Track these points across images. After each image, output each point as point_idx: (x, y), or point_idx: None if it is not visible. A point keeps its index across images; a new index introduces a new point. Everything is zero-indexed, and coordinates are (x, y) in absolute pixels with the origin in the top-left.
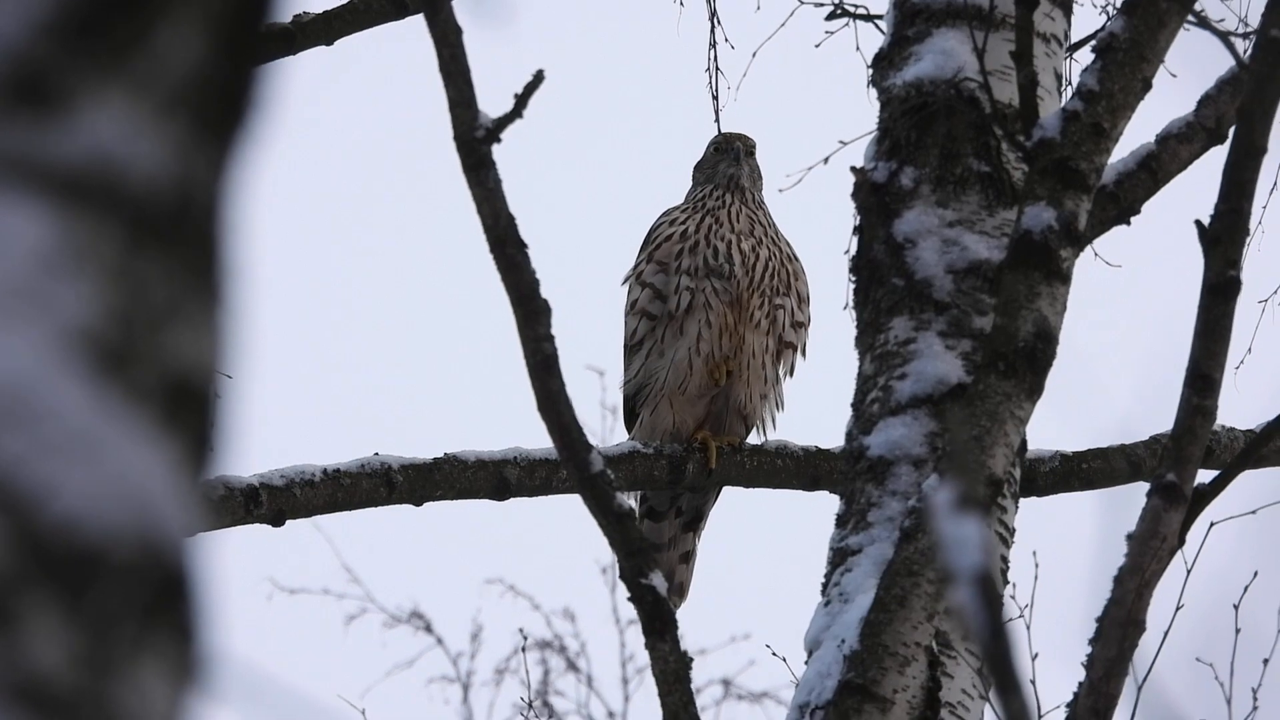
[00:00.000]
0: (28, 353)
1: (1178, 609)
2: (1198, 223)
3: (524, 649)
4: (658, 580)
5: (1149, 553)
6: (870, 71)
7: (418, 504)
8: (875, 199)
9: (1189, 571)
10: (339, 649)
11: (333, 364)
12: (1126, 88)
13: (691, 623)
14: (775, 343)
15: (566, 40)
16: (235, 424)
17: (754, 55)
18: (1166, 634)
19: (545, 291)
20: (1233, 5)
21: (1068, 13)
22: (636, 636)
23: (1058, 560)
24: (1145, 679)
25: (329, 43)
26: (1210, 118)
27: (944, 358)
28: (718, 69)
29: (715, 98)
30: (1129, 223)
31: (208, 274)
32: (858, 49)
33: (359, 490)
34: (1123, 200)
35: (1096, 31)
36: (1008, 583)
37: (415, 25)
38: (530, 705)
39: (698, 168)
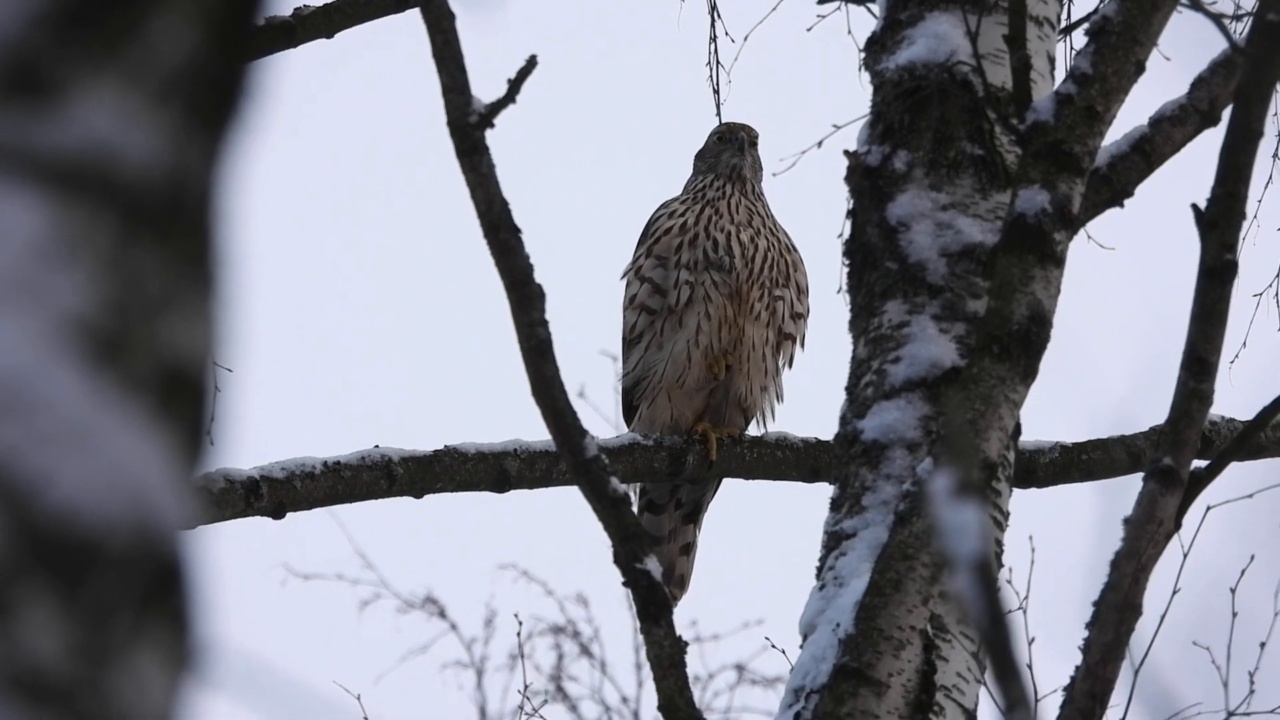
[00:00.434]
0: (23, 343)
1: (1174, 593)
2: (1194, 206)
3: (519, 634)
4: (652, 565)
5: (1145, 537)
6: (863, 55)
7: (418, 496)
8: (869, 183)
9: (1185, 556)
10: (353, 635)
11: (333, 356)
12: (1120, 71)
13: (705, 608)
14: (775, 334)
15: (564, 33)
16: (232, 415)
17: (745, 39)
18: (1163, 618)
19: (542, 278)
20: None
21: None
22: None
23: (1058, 551)
24: (1142, 663)
25: (329, 35)
26: (1203, 100)
27: (938, 341)
28: (718, 63)
29: (716, 91)
30: (1122, 205)
31: (202, 263)
32: (849, 32)
33: (359, 482)
34: (1116, 183)
35: (1090, 14)
36: (1002, 566)
37: (416, 18)
38: (526, 690)
39: (699, 156)
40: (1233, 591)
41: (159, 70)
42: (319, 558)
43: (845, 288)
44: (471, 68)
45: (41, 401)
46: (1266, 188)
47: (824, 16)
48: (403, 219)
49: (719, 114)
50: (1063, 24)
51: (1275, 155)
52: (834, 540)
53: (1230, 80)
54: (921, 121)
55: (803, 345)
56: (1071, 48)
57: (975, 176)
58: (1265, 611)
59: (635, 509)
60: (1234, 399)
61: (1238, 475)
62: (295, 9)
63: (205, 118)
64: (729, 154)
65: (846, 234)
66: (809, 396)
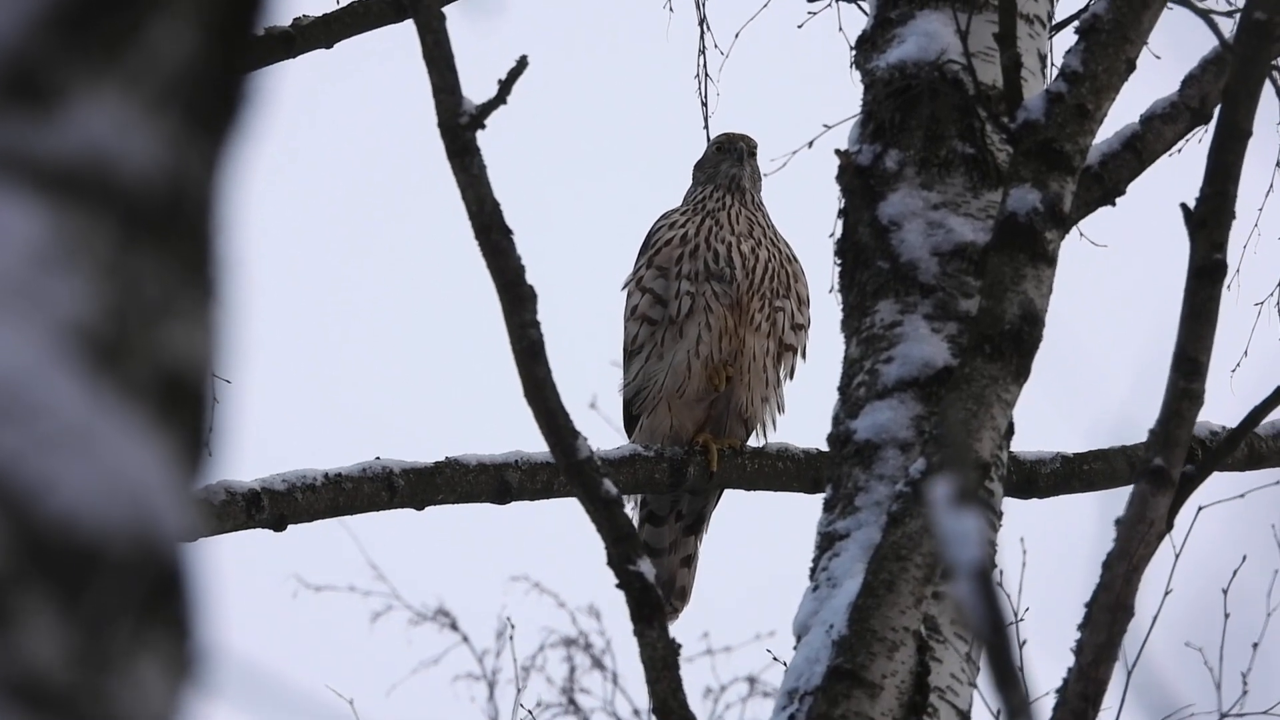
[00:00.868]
0: (22, 348)
1: (1166, 594)
2: (1183, 206)
3: (512, 636)
4: (645, 567)
5: (1137, 537)
6: (854, 54)
7: (419, 508)
8: (860, 182)
9: (1177, 556)
10: (365, 646)
11: (334, 367)
12: (1110, 69)
13: (717, 620)
14: (775, 345)
15: (556, 45)
16: (232, 426)
17: (736, 36)
18: (1155, 619)
19: (548, 287)
20: None
21: None
22: None
23: (1061, 561)
24: (1135, 664)
25: (329, 45)
26: (1194, 97)
27: (930, 341)
28: (707, 75)
29: (704, 104)
30: (1114, 203)
31: (201, 269)
32: (840, 30)
33: (360, 494)
34: (1107, 181)
35: (1080, 11)
36: (996, 567)
37: (414, 28)
38: (519, 694)
39: (698, 167)
40: (1225, 592)
41: (158, 76)
42: (331, 569)
43: (837, 287)
44: (464, 72)
45: (41, 407)
46: (1268, 196)
47: (815, 14)
48: (403, 229)
49: (706, 127)
50: (1053, 21)
51: (1278, 163)
52: (827, 541)
53: (1221, 77)
54: (912, 120)
55: (804, 356)
56: (1053, 46)
57: (966, 175)
58: (1258, 612)
59: (635, 521)
60: (1235, 409)
61: (1230, 476)
62: (295, 19)
63: (205, 124)
64: (728, 164)
65: (838, 233)
66: (810, 407)
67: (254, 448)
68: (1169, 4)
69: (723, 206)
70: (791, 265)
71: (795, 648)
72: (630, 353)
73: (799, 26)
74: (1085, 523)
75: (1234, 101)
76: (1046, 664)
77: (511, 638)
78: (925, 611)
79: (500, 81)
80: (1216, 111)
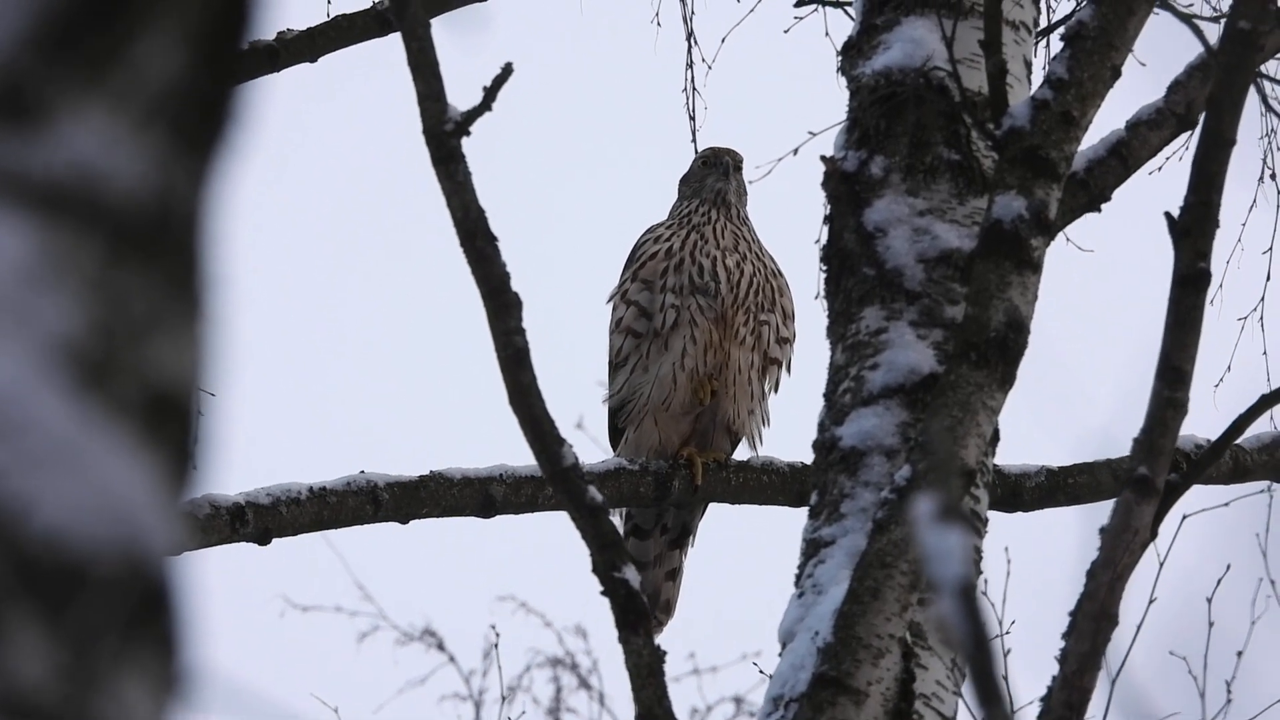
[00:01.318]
0: (8, 365)
1: (1150, 602)
2: (1167, 215)
3: (497, 647)
4: (630, 574)
5: (1121, 546)
6: (839, 60)
7: (404, 521)
8: (845, 188)
9: (1162, 565)
10: (352, 667)
11: (319, 381)
12: (1096, 76)
13: (703, 640)
14: (760, 358)
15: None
16: (218, 440)
17: (723, 41)
18: (1140, 627)
19: (524, 291)
20: None
21: (1036, 0)
22: None
23: (1044, 575)
24: (1119, 673)
25: (313, 59)
26: (1180, 103)
27: (915, 347)
28: (694, 89)
29: (692, 118)
30: (1100, 210)
31: (188, 286)
32: (827, 34)
33: (345, 508)
34: (1093, 187)
35: (1066, 16)
36: (981, 574)
37: (399, 42)
38: (504, 712)
39: (684, 181)
40: (1209, 601)
41: (145, 93)
42: (317, 590)
43: (823, 294)
44: (449, 83)
45: (27, 424)
46: (1251, 210)
47: (801, 18)
48: (387, 243)
49: (694, 140)
50: (1039, 28)
51: (1260, 179)
52: (812, 548)
53: (1207, 84)
54: (898, 127)
55: (789, 369)
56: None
57: (952, 182)
58: (1242, 621)
59: (620, 534)
60: (1220, 423)
61: (1227, 486)
62: (279, 33)
63: (192, 140)
64: (714, 178)
65: (823, 240)
66: (796, 421)
67: (239, 461)
68: (1154, 10)
69: (708, 221)
70: (776, 280)
71: (780, 654)
72: (615, 365)
73: (785, 31)
74: (1068, 535)
75: (1218, 110)
76: (1030, 675)
77: (497, 649)
78: (910, 619)
79: (485, 89)
80: (1201, 119)
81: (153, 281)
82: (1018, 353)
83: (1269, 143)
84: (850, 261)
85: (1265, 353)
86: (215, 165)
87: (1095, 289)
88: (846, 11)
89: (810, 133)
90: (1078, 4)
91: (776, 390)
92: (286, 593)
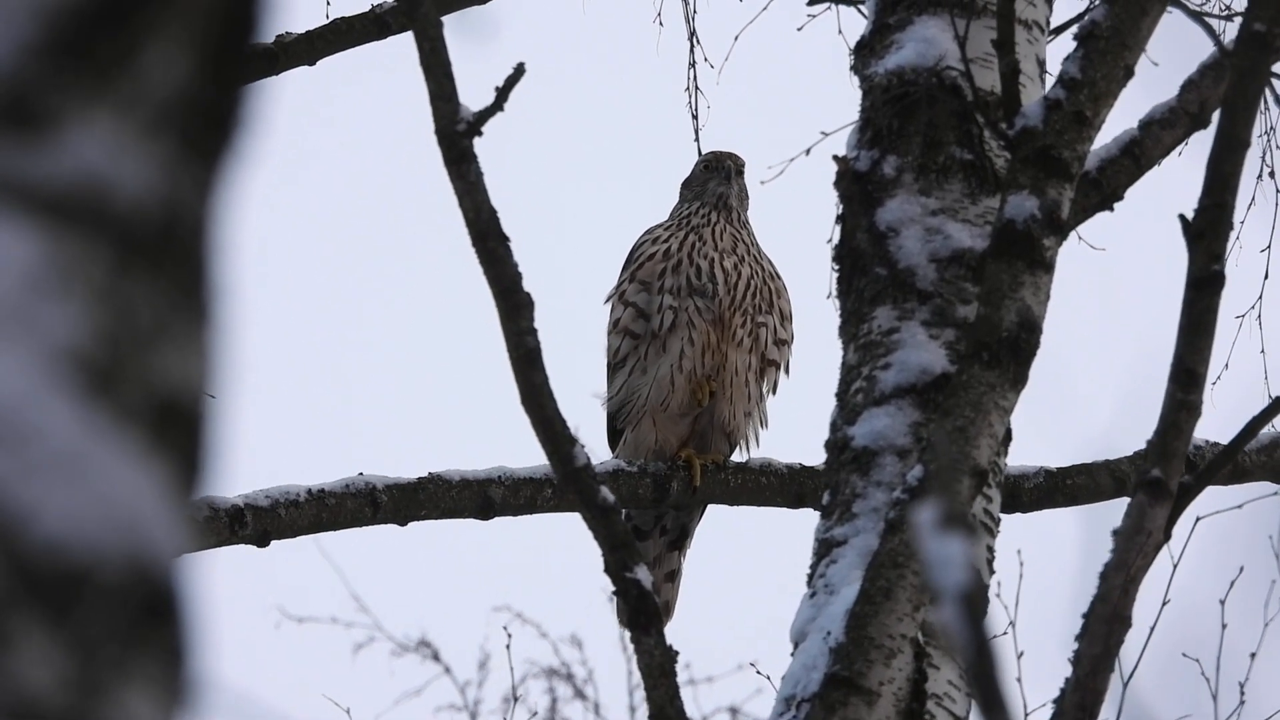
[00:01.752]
0: (15, 373)
1: (1163, 605)
2: (1181, 217)
3: (509, 646)
4: (643, 574)
5: (1134, 548)
6: (852, 59)
7: (402, 524)
8: (858, 188)
9: (1175, 567)
10: (347, 678)
11: (318, 383)
12: (1109, 75)
13: (699, 650)
14: (758, 360)
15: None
16: (223, 444)
17: (736, 39)
18: (1153, 630)
19: (536, 290)
20: None
21: None
22: None
23: (1044, 575)
24: (1131, 675)
25: (311, 63)
26: (1193, 103)
27: (927, 347)
28: (697, 88)
29: (695, 117)
30: (1112, 209)
31: (195, 294)
32: (840, 32)
33: (344, 510)
34: (1106, 186)
35: (1079, 17)
36: (993, 572)
37: (397, 45)
38: None
39: (685, 184)
40: (1222, 603)
41: (152, 100)
42: (313, 601)
43: (835, 293)
44: (460, 83)
45: (33, 432)
46: (1249, 209)
47: (814, 16)
48: (385, 246)
49: (697, 139)
50: (1052, 27)
51: (1259, 177)
52: (825, 547)
53: (1220, 83)
54: (910, 126)
55: (787, 371)
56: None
57: (964, 181)
58: (1254, 623)
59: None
60: (1217, 421)
61: (1226, 488)
62: (278, 36)
63: (198, 147)
64: (715, 182)
65: (836, 240)
66: (794, 422)
67: (238, 464)
68: (1167, 10)
69: (707, 223)
70: (774, 282)
71: (793, 654)
72: (613, 366)
73: (798, 29)
74: (1067, 536)
75: (1233, 112)
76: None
77: (509, 650)
78: (923, 619)
79: (497, 89)
80: (1215, 118)
81: (159, 289)
82: (1030, 353)
83: (1268, 140)
84: (862, 261)
85: (1263, 351)
86: (221, 173)
87: (1095, 289)
88: (860, 10)
89: (823, 132)
90: (1090, 3)
91: (774, 392)
92: (282, 604)
